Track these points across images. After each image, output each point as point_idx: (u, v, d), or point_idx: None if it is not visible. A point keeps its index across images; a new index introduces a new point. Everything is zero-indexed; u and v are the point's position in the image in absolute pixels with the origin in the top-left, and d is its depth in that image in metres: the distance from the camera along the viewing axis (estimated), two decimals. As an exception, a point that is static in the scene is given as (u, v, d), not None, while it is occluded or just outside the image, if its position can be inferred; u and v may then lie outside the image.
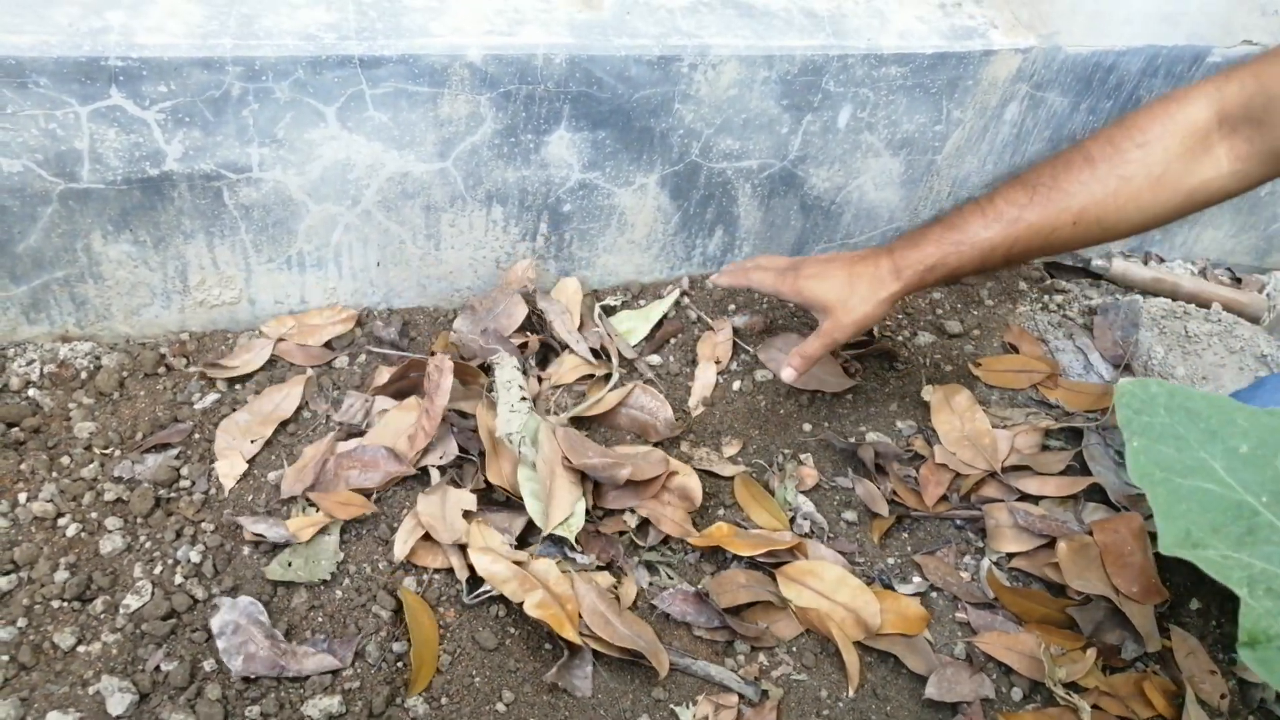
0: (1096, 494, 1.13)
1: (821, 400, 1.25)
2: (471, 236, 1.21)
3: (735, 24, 1.16)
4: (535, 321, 1.23)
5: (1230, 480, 0.52)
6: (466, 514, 0.99)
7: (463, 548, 0.98)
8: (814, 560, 1.04)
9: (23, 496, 0.98)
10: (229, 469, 1.03)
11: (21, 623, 0.88)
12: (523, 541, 1.01)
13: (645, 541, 1.04)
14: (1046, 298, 1.50)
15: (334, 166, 1.07)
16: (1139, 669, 1.01)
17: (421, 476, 1.05)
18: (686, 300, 1.36)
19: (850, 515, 1.12)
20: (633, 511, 1.05)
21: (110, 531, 0.97)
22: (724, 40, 1.13)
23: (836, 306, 1.01)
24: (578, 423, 1.11)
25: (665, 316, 1.32)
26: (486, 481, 1.04)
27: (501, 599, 0.96)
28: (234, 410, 1.09)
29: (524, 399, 1.06)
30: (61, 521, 0.97)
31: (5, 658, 0.85)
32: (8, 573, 0.92)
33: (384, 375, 1.13)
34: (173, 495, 1.01)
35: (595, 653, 0.93)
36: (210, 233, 1.09)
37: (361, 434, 1.08)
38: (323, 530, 0.99)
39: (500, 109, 1.09)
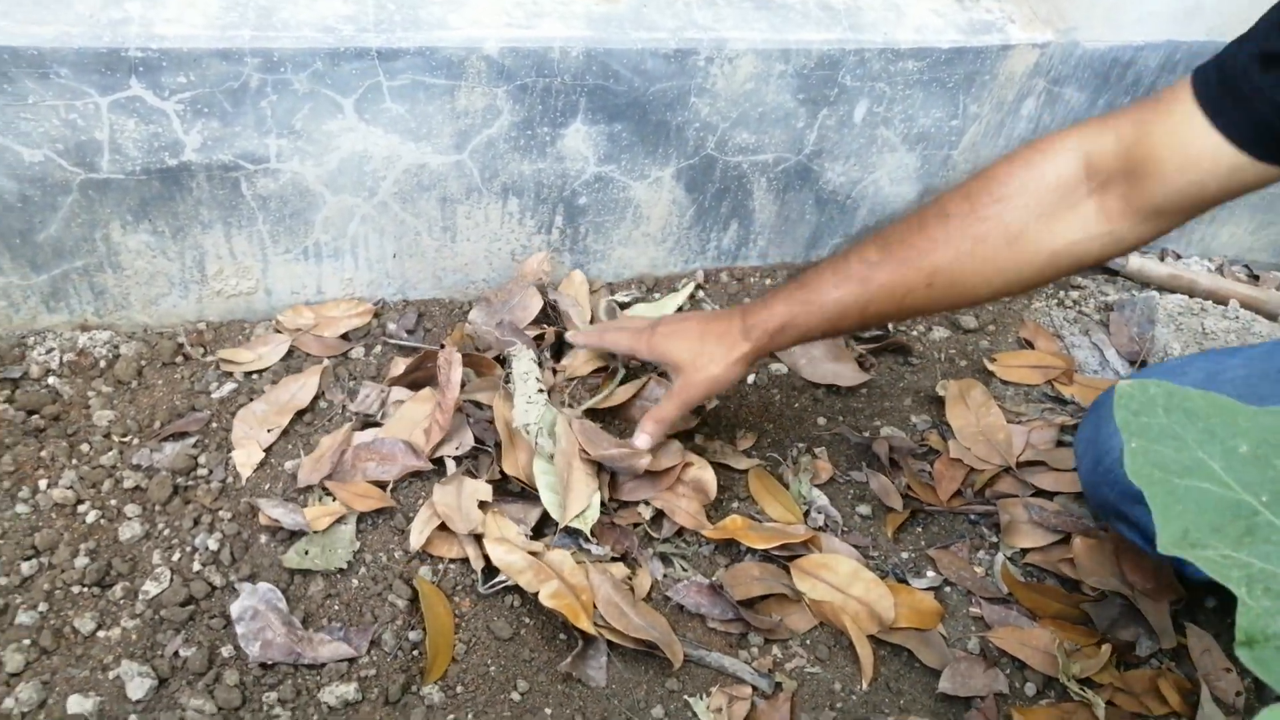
0: (1112, 490, 1.13)
1: (836, 394, 1.25)
2: (487, 229, 1.22)
3: (752, 17, 1.16)
4: (550, 314, 1.23)
5: (1229, 480, 0.52)
6: (482, 504, 1.00)
7: (478, 538, 0.98)
8: (828, 554, 1.04)
9: (43, 483, 0.98)
10: (246, 458, 1.04)
11: (43, 607, 0.89)
12: (538, 532, 1.02)
13: (660, 533, 1.04)
14: (1062, 293, 1.49)
15: (351, 158, 1.08)
16: (1154, 665, 1.01)
17: (437, 467, 1.05)
18: (701, 293, 1.36)
19: (864, 509, 1.12)
20: (647, 504, 1.05)
21: (129, 518, 0.97)
22: (740, 34, 1.13)
23: (687, 365, 0.96)
24: (592, 414, 1.11)
25: (680, 309, 1.32)
26: (502, 472, 1.04)
27: (516, 589, 0.96)
28: (251, 400, 1.10)
29: (540, 391, 1.06)
30: (81, 508, 0.98)
31: (27, 641, 0.86)
32: (29, 558, 0.92)
33: (399, 366, 1.14)
34: (190, 483, 1.02)
35: (610, 643, 0.93)
36: (228, 223, 1.09)
37: (378, 424, 1.09)
38: (339, 519, 0.99)
39: (517, 102, 1.09)
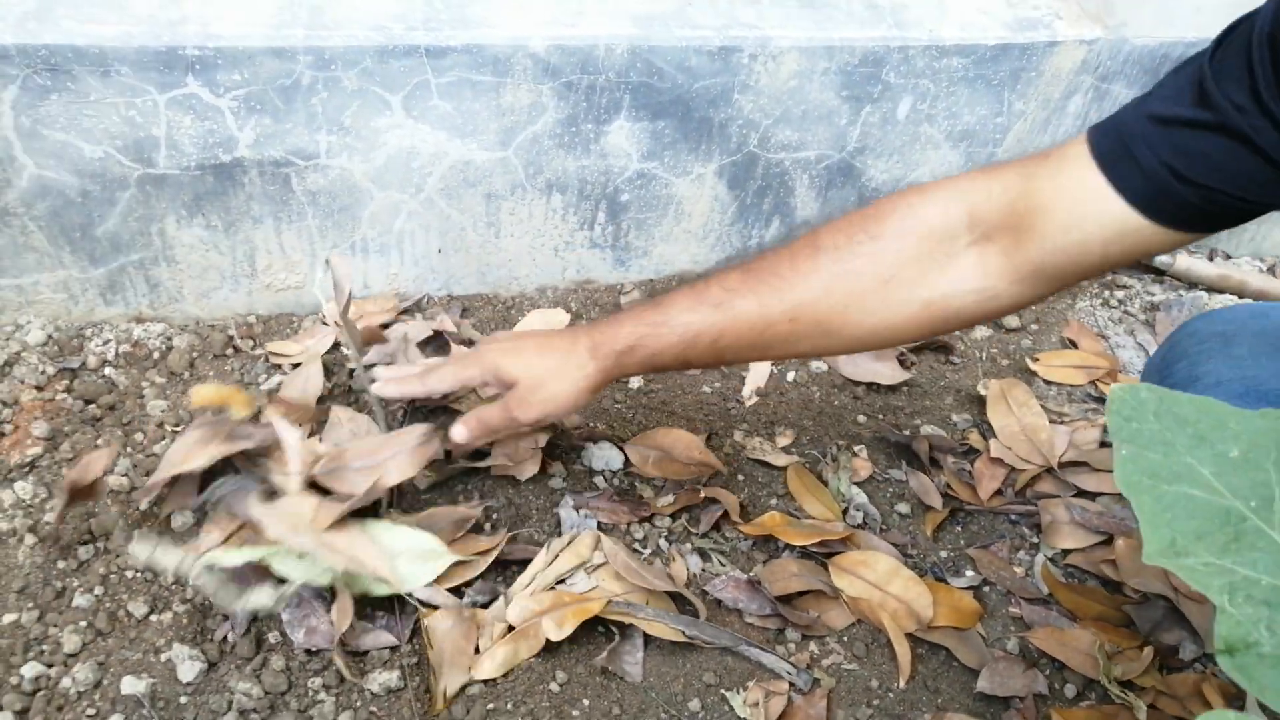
0: (1156, 492, 1.12)
1: (876, 392, 1.25)
2: (531, 225, 1.23)
3: (795, 15, 1.16)
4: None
5: (1218, 485, 0.51)
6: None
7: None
8: (866, 551, 1.04)
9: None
10: (294, 448, 1.06)
11: (99, 590, 0.92)
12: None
13: (698, 529, 1.05)
14: (1108, 293, 1.48)
15: (398, 154, 1.10)
16: (1198, 670, 0.99)
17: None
18: (741, 291, 1.36)
19: (903, 508, 1.12)
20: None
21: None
22: (784, 31, 1.13)
23: (525, 381, 0.87)
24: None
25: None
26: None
27: (556, 581, 0.98)
28: (299, 391, 1.12)
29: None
30: (135, 494, 1.00)
31: (84, 623, 0.89)
32: (85, 542, 0.95)
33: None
34: (240, 472, 1.04)
35: (647, 637, 0.94)
36: (278, 218, 1.12)
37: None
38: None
39: (561, 99, 1.10)
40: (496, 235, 1.23)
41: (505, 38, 1.04)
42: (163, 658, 0.88)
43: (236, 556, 0.88)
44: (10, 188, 0.99)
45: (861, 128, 1.26)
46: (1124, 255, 0.71)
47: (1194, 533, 0.49)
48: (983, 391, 1.24)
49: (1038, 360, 1.31)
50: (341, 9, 1.02)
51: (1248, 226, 1.60)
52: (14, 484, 0.98)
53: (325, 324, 1.20)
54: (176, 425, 1.07)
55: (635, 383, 1.21)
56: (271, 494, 0.93)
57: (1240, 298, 1.47)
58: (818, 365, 1.27)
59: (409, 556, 0.94)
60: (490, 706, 0.89)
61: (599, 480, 1.10)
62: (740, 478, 1.13)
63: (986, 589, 1.05)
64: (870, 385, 1.25)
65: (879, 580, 1.01)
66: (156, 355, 1.14)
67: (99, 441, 1.04)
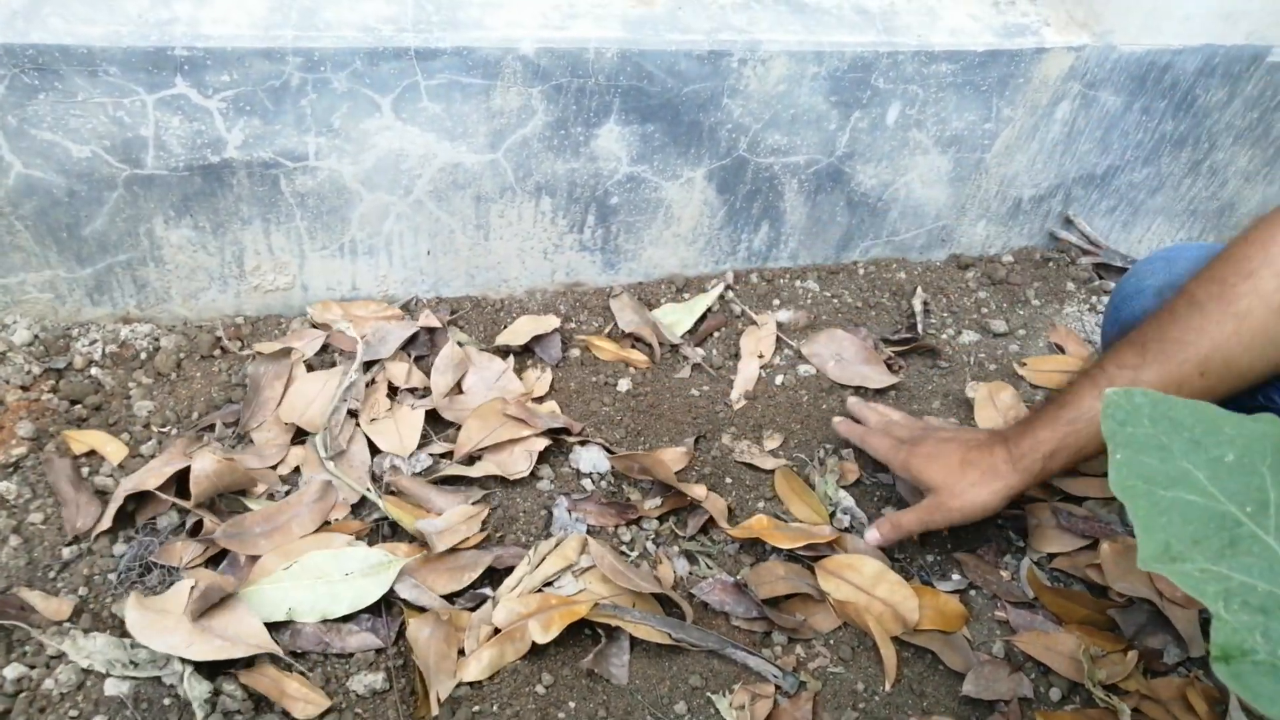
0: (1142, 497, 1.12)
1: (864, 396, 1.25)
2: (520, 227, 1.23)
3: (786, 19, 1.17)
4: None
5: (1214, 490, 0.50)
6: None
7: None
8: (853, 555, 1.04)
9: (85, 470, 1.01)
10: (281, 450, 1.06)
11: (82, 591, 0.92)
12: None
13: (685, 532, 1.05)
14: (1094, 299, 1.48)
15: (388, 156, 1.10)
16: (1182, 674, 1.00)
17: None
18: (731, 294, 1.37)
19: (890, 511, 1.12)
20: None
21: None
22: (774, 36, 1.14)
23: (943, 490, 0.96)
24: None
25: (709, 310, 1.33)
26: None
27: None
28: (286, 393, 1.12)
29: None
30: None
31: (66, 625, 0.89)
32: (69, 543, 0.95)
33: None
34: (227, 473, 1.04)
35: (633, 640, 0.94)
36: (267, 219, 1.11)
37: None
38: (370, 511, 1.01)
39: (551, 102, 1.11)
40: (486, 238, 1.23)
41: (495, 40, 1.04)
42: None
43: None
44: (-3, 187, 0.99)
45: (850, 133, 1.26)
46: None
47: (1189, 538, 0.49)
48: (971, 395, 1.25)
49: (1025, 364, 1.32)
50: (331, 11, 1.02)
51: (1234, 232, 1.61)
52: (-2, 484, 0.98)
53: (313, 326, 1.20)
54: (163, 426, 1.07)
55: (624, 386, 1.21)
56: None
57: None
58: (805, 369, 1.27)
59: (360, 574, 0.94)
60: (476, 709, 0.89)
61: (586, 483, 1.10)
62: (728, 480, 1.13)
63: (973, 592, 1.05)
64: (858, 389, 1.26)
65: (865, 584, 1.01)
66: (144, 356, 1.14)
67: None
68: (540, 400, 1.17)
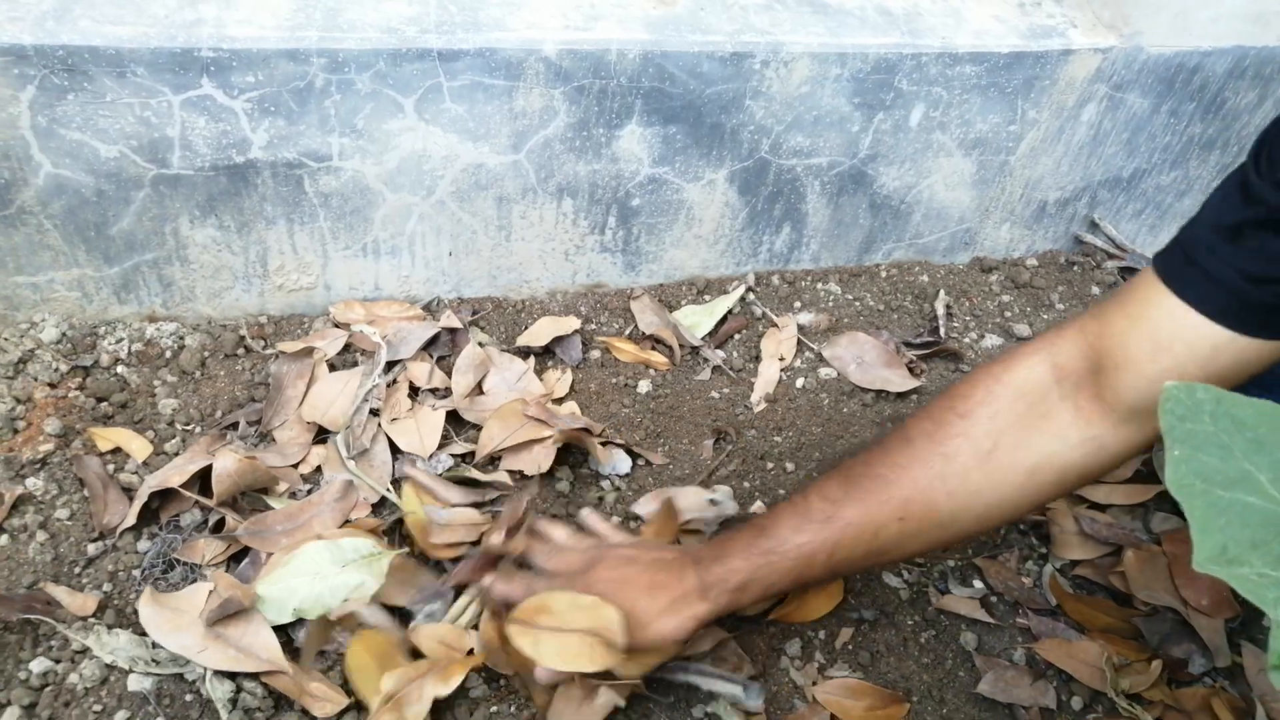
0: (1166, 503, 1.11)
1: (885, 399, 1.25)
2: (542, 229, 1.23)
3: (809, 21, 1.16)
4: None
5: (1275, 493, 0.49)
6: None
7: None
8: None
9: (110, 468, 1.02)
10: (303, 448, 1.07)
11: (107, 587, 0.92)
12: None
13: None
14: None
15: (410, 157, 1.10)
16: (1207, 684, 0.99)
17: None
18: (752, 296, 1.36)
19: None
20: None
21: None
22: (797, 37, 1.13)
23: (630, 618, 0.81)
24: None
25: (730, 312, 1.33)
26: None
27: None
28: (309, 392, 1.12)
29: None
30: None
31: (91, 620, 0.90)
32: (95, 539, 0.96)
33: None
34: (249, 472, 1.05)
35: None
36: (291, 219, 1.12)
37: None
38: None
39: (573, 103, 1.11)
40: (507, 239, 1.23)
41: (518, 41, 1.04)
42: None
43: None
44: (27, 186, 1.00)
45: (874, 135, 1.25)
46: (1228, 373, 0.67)
47: (1249, 541, 0.48)
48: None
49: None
50: (355, 12, 1.02)
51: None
52: (25, 480, 0.99)
53: (336, 325, 1.21)
54: (187, 424, 1.08)
55: (644, 388, 1.21)
56: None
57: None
58: (827, 371, 1.27)
59: (355, 565, 0.94)
60: (494, 709, 0.89)
61: (605, 484, 1.10)
62: (745, 484, 1.13)
63: (994, 599, 1.05)
64: (880, 393, 1.25)
65: None
66: (169, 354, 1.15)
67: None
68: (560, 401, 1.17)
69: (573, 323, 1.25)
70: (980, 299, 1.43)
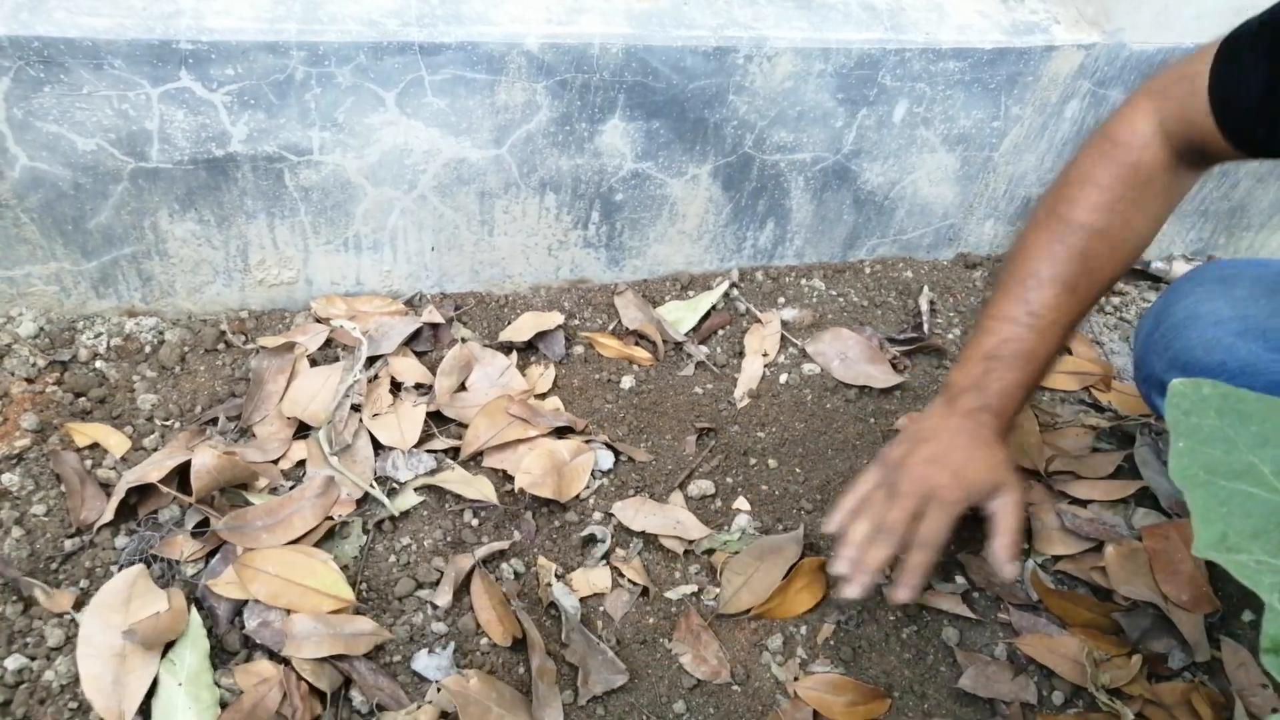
0: (1147, 499, 1.12)
1: (869, 396, 1.25)
2: (524, 223, 1.23)
3: (792, 16, 1.16)
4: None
5: (1279, 486, 0.51)
6: None
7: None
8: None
9: (88, 463, 1.01)
10: (283, 444, 1.06)
11: (84, 584, 0.92)
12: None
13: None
14: (1102, 300, 1.47)
15: (392, 151, 1.10)
16: (1187, 679, 0.99)
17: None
18: (736, 292, 1.36)
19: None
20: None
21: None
22: (780, 32, 1.13)
23: (997, 478, 0.85)
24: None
25: (714, 308, 1.33)
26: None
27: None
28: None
29: None
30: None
31: (68, 618, 0.89)
32: (72, 535, 0.95)
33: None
34: (229, 467, 1.04)
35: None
36: (271, 213, 1.11)
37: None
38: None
39: (556, 97, 1.10)
40: (490, 233, 1.23)
41: (500, 35, 1.04)
42: (147, 652, 0.88)
43: None
44: (2, 179, 0.99)
45: (857, 130, 1.25)
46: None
47: (1249, 530, 0.50)
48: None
49: (1032, 365, 1.31)
50: (335, 4, 1.02)
51: (1244, 234, 1.60)
52: (1, 475, 0.98)
53: (317, 320, 1.20)
54: (166, 420, 1.07)
55: (627, 384, 1.21)
56: None
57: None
58: (810, 368, 1.27)
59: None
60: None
61: (588, 478, 1.10)
62: (728, 480, 1.12)
63: (975, 595, 1.05)
64: (863, 389, 1.25)
65: None
66: (148, 349, 1.14)
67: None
68: (543, 397, 1.17)
69: (556, 318, 1.25)
70: (964, 295, 1.43)
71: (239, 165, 1.06)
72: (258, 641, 0.89)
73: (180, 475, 0.98)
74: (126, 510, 0.97)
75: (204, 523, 0.96)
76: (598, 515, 1.06)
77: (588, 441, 1.12)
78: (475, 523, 1.04)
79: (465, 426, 1.10)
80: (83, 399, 1.07)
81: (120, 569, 0.92)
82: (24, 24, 0.91)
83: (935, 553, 0.83)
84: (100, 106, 0.97)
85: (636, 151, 1.19)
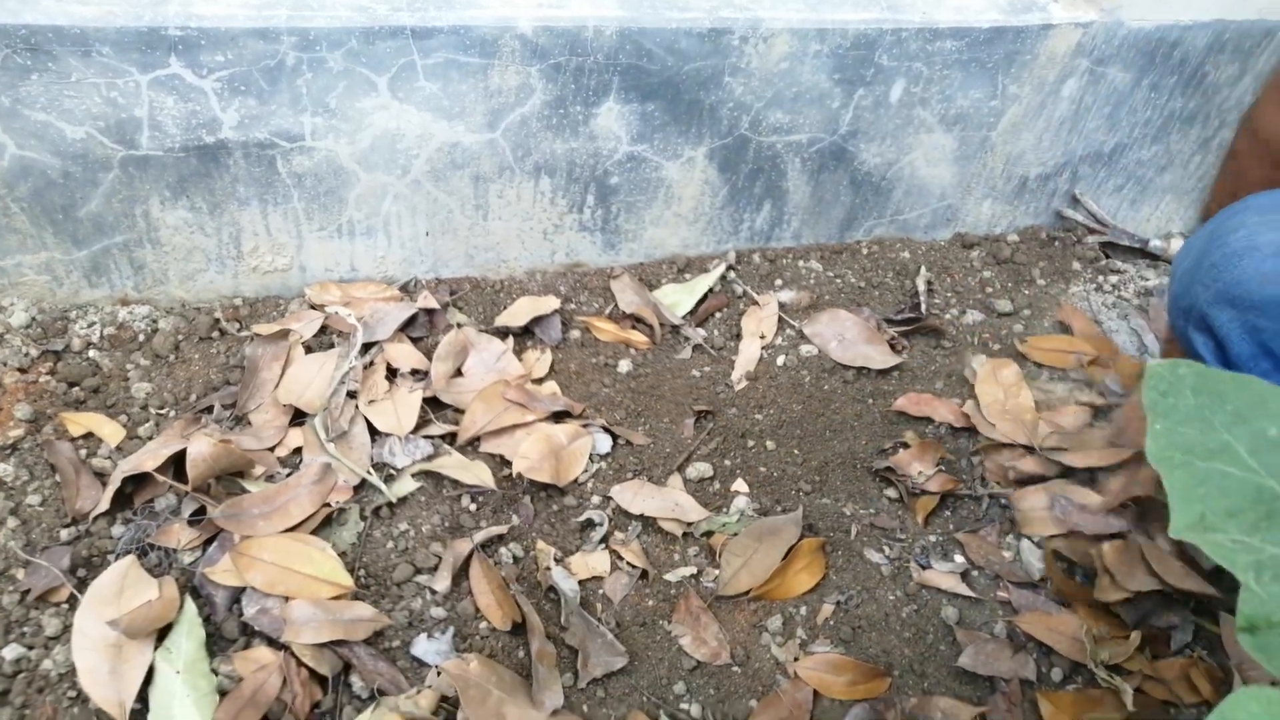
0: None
1: (867, 377, 1.24)
2: (519, 208, 1.22)
3: (787, -5, 1.15)
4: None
5: (1254, 464, 0.50)
6: None
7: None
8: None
9: (83, 453, 1.01)
10: (279, 432, 1.06)
11: (81, 572, 0.92)
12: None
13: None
14: (1101, 278, 1.47)
15: (384, 136, 1.09)
16: (1187, 654, 0.99)
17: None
18: (733, 274, 1.36)
19: (891, 492, 1.11)
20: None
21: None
22: (776, 13, 1.12)
23: None
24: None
25: (711, 290, 1.32)
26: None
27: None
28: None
29: None
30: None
31: (66, 607, 0.89)
32: (68, 525, 0.95)
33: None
34: (225, 456, 1.04)
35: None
36: (264, 200, 1.11)
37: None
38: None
39: (550, 80, 1.09)
40: (485, 218, 1.22)
41: (492, 19, 1.03)
42: (146, 641, 0.88)
43: None
44: (-8, 168, 0.99)
45: (854, 111, 1.25)
46: None
47: (1225, 510, 0.50)
48: (975, 367, 1.24)
49: (1026, 343, 1.31)
50: (326, -12, 1.01)
51: (1243, 212, 1.59)
52: (-3, 466, 0.98)
53: (311, 307, 1.19)
54: (161, 408, 1.07)
55: (624, 367, 1.20)
56: None
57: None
58: (808, 349, 1.26)
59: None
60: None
61: (586, 462, 1.09)
62: (726, 462, 1.12)
63: (975, 574, 1.05)
64: (861, 370, 1.25)
65: None
66: (141, 338, 1.13)
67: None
68: (540, 381, 1.17)
69: (552, 302, 1.24)
70: (962, 275, 1.43)
71: (230, 152, 1.05)
72: (256, 629, 0.89)
73: (176, 464, 0.98)
74: (122, 499, 0.97)
75: (200, 511, 0.96)
76: (596, 499, 1.06)
77: (585, 425, 1.11)
78: (473, 508, 1.03)
79: (462, 412, 1.10)
80: (76, 388, 1.07)
81: (117, 558, 0.92)
82: (11, 12, 0.90)
83: None
84: (89, 94, 0.96)
85: (632, 134, 1.18)
